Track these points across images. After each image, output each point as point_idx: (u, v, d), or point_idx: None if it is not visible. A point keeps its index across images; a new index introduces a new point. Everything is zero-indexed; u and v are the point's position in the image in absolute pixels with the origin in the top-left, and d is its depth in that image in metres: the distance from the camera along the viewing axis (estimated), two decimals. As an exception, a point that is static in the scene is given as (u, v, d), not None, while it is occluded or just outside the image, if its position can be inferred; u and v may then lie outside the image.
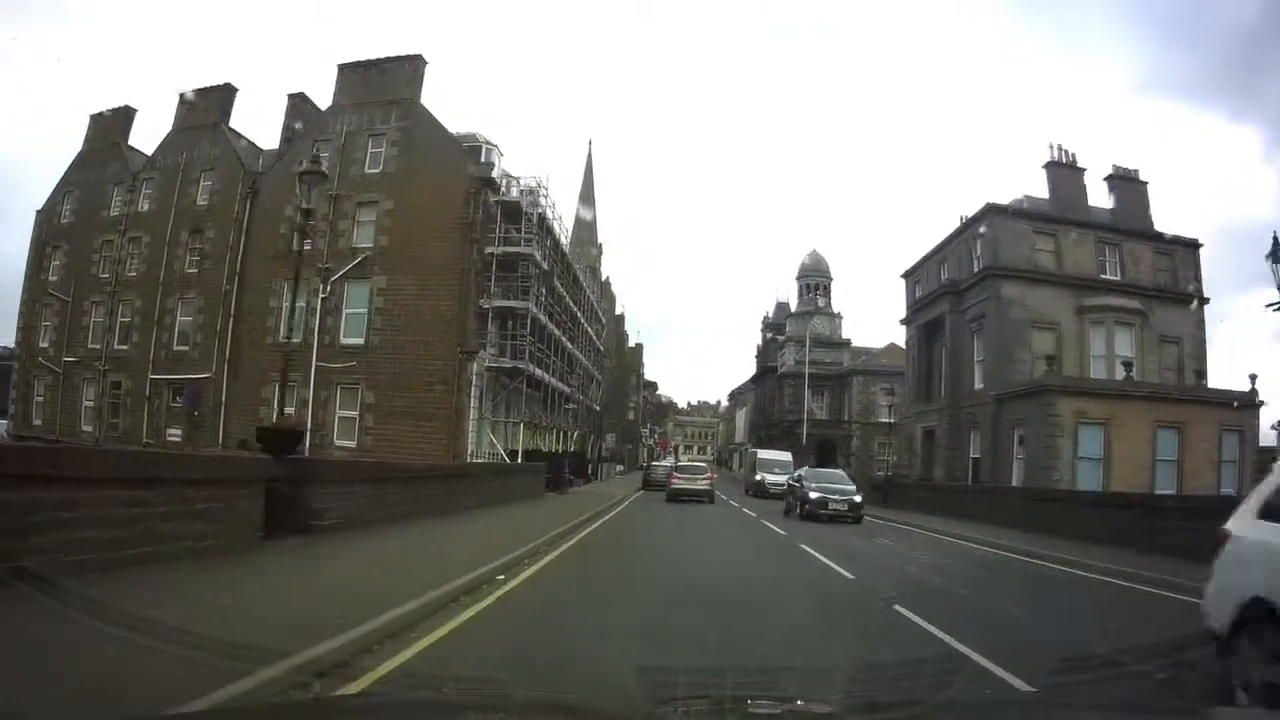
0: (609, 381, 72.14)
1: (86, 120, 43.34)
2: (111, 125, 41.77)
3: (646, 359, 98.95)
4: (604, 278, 70.61)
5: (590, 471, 43.33)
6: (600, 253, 68.73)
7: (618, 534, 17.70)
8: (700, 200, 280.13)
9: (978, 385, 35.44)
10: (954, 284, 37.39)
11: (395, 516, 13.39)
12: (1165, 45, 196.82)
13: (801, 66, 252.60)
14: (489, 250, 30.99)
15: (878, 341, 67.20)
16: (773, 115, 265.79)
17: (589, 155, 76.38)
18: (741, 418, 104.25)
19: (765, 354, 76.55)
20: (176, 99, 40.80)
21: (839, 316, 66.80)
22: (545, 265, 32.22)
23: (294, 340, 34.74)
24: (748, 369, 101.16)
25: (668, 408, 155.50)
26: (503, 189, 32.42)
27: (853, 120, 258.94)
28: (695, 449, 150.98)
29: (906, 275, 45.57)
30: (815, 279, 67.86)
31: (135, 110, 43.24)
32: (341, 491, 11.85)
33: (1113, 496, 24.23)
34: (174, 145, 39.50)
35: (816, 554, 13.90)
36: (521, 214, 31.40)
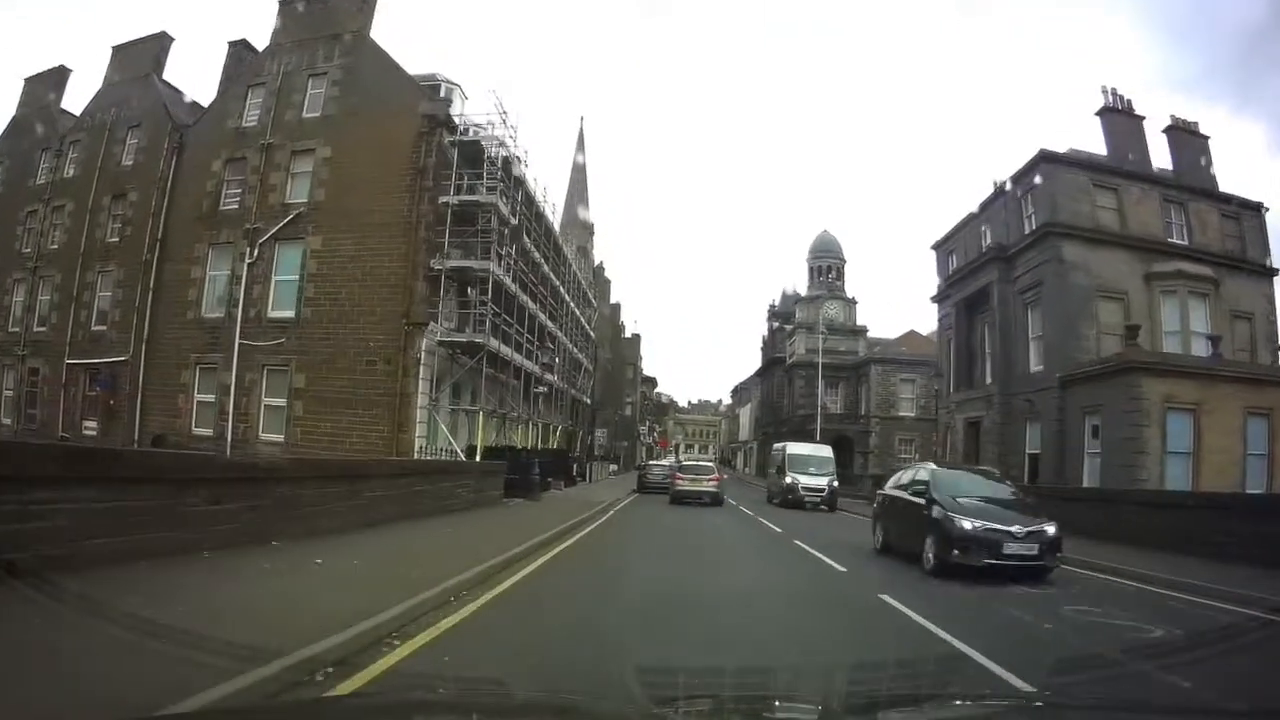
0: (603, 375, 66.43)
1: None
2: (45, 87, 37.50)
3: (646, 358, 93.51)
4: (597, 263, 64.93)
5: (577, 472, 37.52)
6: (592, 233, 62.99)
7: (575, 574, 11.04)
8: (699, 197, 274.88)
9: (1034, 367, 29.66)
10: (1001, 248, 31.65)
11: (199, 541, 7.61)
12: (1170, 44, 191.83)
13: (804, 49, 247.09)
14: (443, 200, 25.21)
15: (892, 335, 61.54)
16: (774, 105, 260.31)
17: (580, 132, 70.65)
18: (745, 414, 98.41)
19: (772, 344, 70.72)
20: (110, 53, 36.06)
21: (853, 302, 61.05)
22: (513, 220, 26.36)
23: (216, 315, 29.77)
24: (750, 366, 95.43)
25: (668, 406, 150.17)
26: (462, 131, 26.61)
27: (857, 108, 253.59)
28: (696, 448, 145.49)
29: (938, 246, 39.85)
30: (827, 260, 61.97)
31: (70, 70, 38.90)
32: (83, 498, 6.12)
33: (1250, 500, 18.52)
34: (103, 102, 34.62)
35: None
36: (483, 157, 25.57)
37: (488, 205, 24.97)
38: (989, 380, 32.20)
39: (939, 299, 38.37)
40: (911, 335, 59.21)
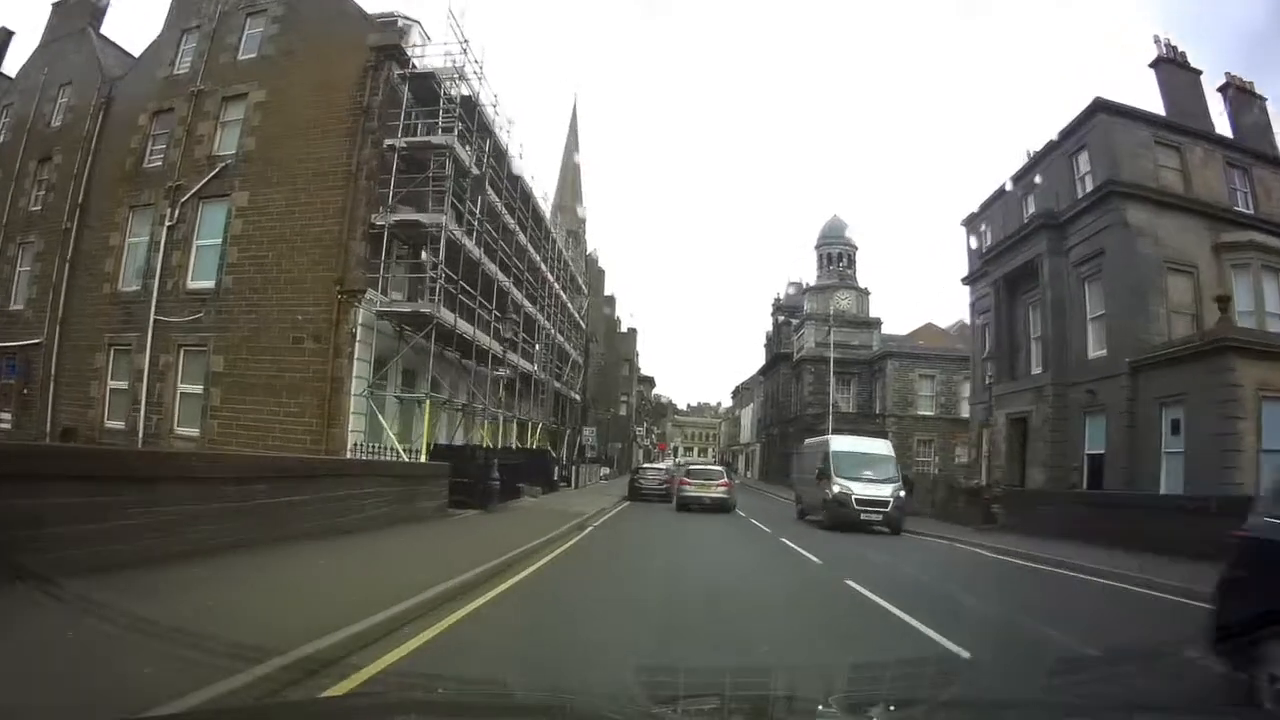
0: (596, 371, 61.96)
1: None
2: (-16, 50, 33.88)
3: (644, 361, 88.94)
4: (590, 250, 60.51)
5: (561, 476, 32.97)
6: (584, 220, 58.61)
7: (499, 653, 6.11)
8: (698, 197, 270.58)
9: (1095, 351, 25.16)
10: (1051, 215, 27.14)
11: None
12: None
13: (809, 35, 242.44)
14: (389, 144, 20.76)
15: (905, 331, 56.96)
16: (777, 99, 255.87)
17: (574, 111, 66.26)
18: (747, 415, 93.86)
19: (777, 339, 66.20)
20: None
21: (866, 292, 56.47)
22: (476, 169, 21.88)
23: (133, 289, 25.38)
24: (751, 367, 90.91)
25: (666, 408, 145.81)
26: (416, 66, 22.16)
27: (865, 98, 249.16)
28: (695, 451, 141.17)
29: (969, 222, 35.41)
30: (837, 246, 57.41)
31: (12, 33, 36.09)
32: None
33: None
34: (38, 61, 30.81)
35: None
36: (440, 92, 21.14)
37: (442, 148, 20.48)
38: (1037, 369, 27.69)
39: (972, 279, 33.89)
40: (929, 329, 54.74)
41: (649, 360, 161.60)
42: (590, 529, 17.14)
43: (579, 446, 43.30)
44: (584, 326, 46.61)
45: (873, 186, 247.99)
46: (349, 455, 18.54)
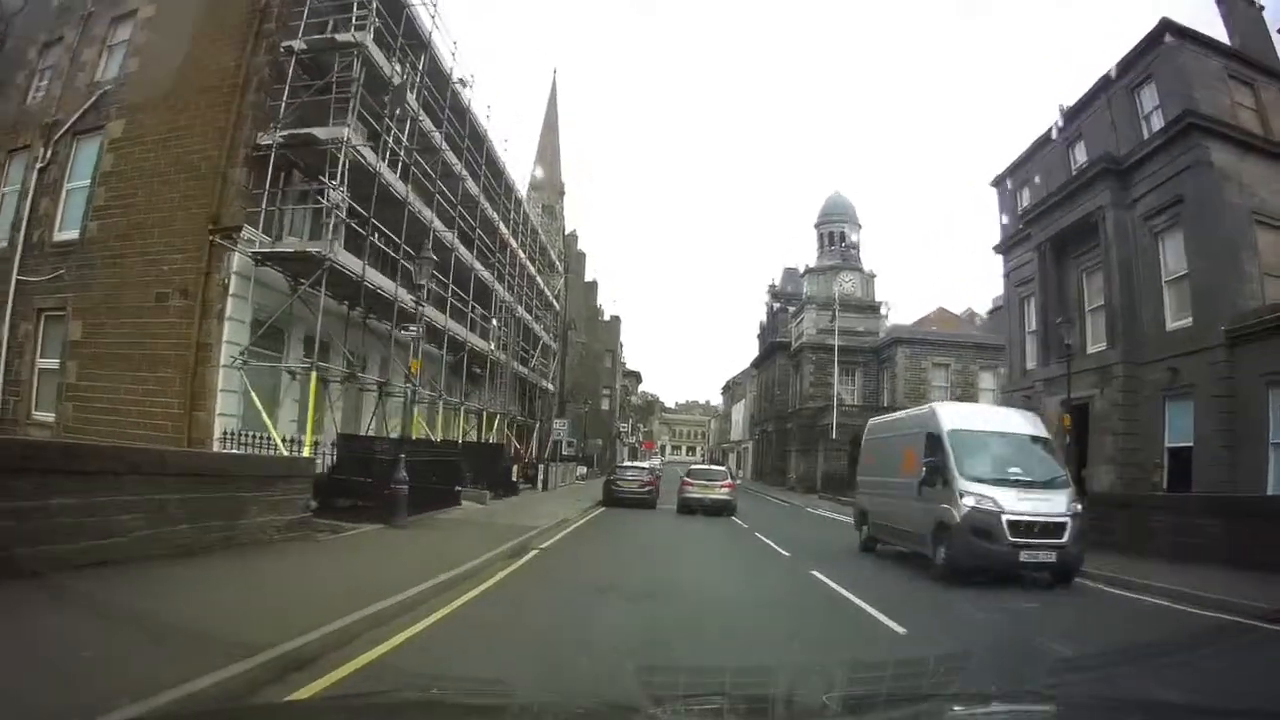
0: (576, 362, 57.12)
1: None
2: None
3: (631, 359, 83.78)
4: (570, 230, 55.71)
5: (524, 476, 28.13)
6: (562, 193, 53.68)
7: None
8: (687, 188, 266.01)
9: (1175, 321, 20.51)
10: (1112, 159, 22.49)
11: None
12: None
13: (802, 13, 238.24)
14: (286, 46, 15.92)
15: (912, 320, 52.19)
16: (770, 77, 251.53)
17: (553, 86, 61.41)
18: (738, 412, 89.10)
19: (772, 328, 61.47)
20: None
21: (871, 275, 51.80)
22: (396, 79, 17.02)
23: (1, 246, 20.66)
24: (743, 361, 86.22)
25: (654, 405, 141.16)
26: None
27: (862, 77, 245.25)
28: (684, 449, 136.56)
29: (999, 182, 30.81)
30: (839, 224, 52.72)
31: None
32: None
33: None
34: None
35: None
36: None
37: (349, 47, 15.64)
38: (1098, 345, 22.98)
39: (1007, 246, 29.23)
40: (941, 314, 50.10)
41: (636, 356, 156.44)
42: (530, 555, 12.08)
43: (552, 442, 38.40)
44: (558, 308, 41.76)
45: (872, 171, 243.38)
46: (217, 446, 13.71)
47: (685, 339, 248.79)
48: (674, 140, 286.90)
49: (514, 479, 25.17)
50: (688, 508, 24.18)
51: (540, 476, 29.51)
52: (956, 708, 3.45)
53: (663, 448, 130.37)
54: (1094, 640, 7.77)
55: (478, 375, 27.58)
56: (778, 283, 65.22)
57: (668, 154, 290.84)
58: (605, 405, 62.17)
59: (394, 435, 15.88)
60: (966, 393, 44.96)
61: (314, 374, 15.21)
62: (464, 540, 11.64)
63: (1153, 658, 6.46)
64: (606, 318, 64.23)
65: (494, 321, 25.66)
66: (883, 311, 49.75)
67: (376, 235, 16.60)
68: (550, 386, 39.86)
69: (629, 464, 29.06)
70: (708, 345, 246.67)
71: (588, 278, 63.34)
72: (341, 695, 4.25)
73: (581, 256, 59.37)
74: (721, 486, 25.24)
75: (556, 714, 3.35)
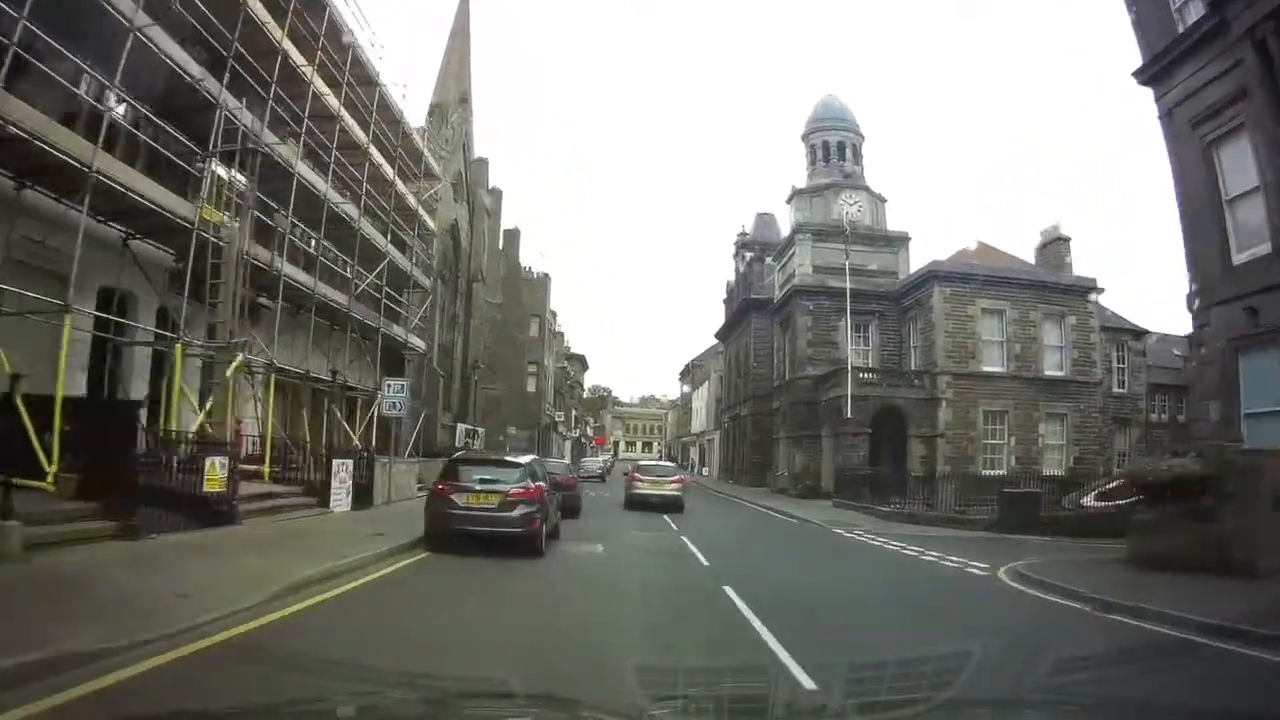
0: (491, 329, 42.91)
1: None
2: None
3: (571, 335, 70.23)
4: (476, 156, 41.48)
5: (336, 481, 13.98)
6: (464, 100, 39.28)
7: None
8: (634, 161, 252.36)
9: None
10: None
11: None
12: None
13: None
14: None
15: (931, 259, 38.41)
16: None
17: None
18: (701, 398, 75.50)
19: (744, 284, 47.95)
20: None
21: (881, 199, 38.37)
22: None
23: None
24: (704, 342, 72.54)
25: (606, 399, 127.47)
26: None
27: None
28: (639, 446, 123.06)
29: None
30: (836, 133, 38.97)
31: None
32: None
33: None
34: None
35: None
36: None
37: None
38: None
39: (1170, 61, 15.73)
40: (984, 249, 36.79)
41: (589, 351, 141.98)
42: None
43: (420, 430, 24.37)
44: (433, 226, 27.61)
45: (870, 86, 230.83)
46: None
47: (641, 331, 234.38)
48: (613, 88, 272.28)
49: (223, 492, 11.08)
50: (635, 504, 23.29)
51: (345, 484, 15.46)
52: (957, 708, 3.44)
53: (616, 444, 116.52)
54: None
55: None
56: (749, 230, 51.72)
57: (610, 111, 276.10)
58: (531, 386, 47.98)
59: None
60: (1027, 350, 31.90)
61: None
62: None
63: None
64: (531, 274, 49.96)
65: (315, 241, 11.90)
66: (904, 242, 36.29)
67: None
68: (420, 344, 25.68)
69: (479, 459, 13.50)
70: (667, 338, 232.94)
71: (507, 223, 49.21)
72: (340, 696, 3.72)
73: (497, 195, 45.20)
74: (671, 483, 24.61)
75: (555, 711, 3.32)
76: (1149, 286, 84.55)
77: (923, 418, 30.69)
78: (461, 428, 31.70)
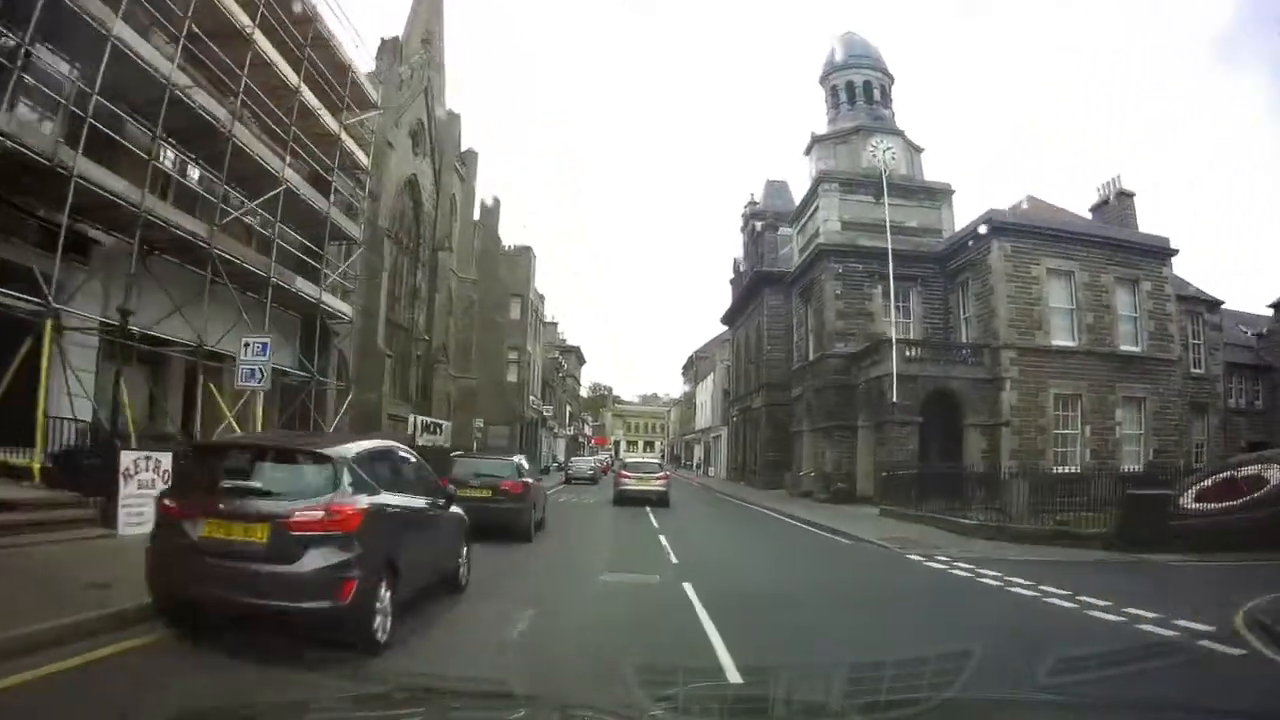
0: (464, 307, 37.27)
1: None
2: None
3: (566, 330, 63.97)
4: (449, 109, 35.91)
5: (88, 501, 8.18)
6: (427, 42, 33.63)
7: None
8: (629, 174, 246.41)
9: None
10: None
11: None
12: None
13: None
14: None
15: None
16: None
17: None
18: (706, 391, 69.73)
19: (756, 254, 41.95)
20: None
21: (917, 150, 32.63)
22: None
23: None
24: (709, 333, 66.57)
25: (607, 398, 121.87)
26: None
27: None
28: (641, 444, 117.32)
29: None
30: (861, 71, 32.91)
31: None
32: None
33: None
34: None
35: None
36: None
37: None
38: None
39: None
40: (1037, 205, 30.83)
41: (582, 343, 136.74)
42: None
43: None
44: (367, 167, 21.87)
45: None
46: None
47: (642, 330, 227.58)
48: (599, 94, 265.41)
49: None
50: (623, 500, 23.87)
51: (153, 492, 9.79)
52: (957, 708, 3.42)
53: (617, 443, 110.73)
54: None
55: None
56: (759, 199, 45.88)
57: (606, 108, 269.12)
58: (512, 376, 42.05)
59: None
60: (1099, 320, 26.19)
61: None
62: None
63: None
64: (509, 248, 43.96)
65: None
66: (947, 195, 30.51)
67: None
68: (344, 308, 19.94)
69: (249, 442, 7.95)
70: (668, 336, 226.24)
71: (484, 193, 43.47)
72: (342, 697, 3.96)
73: (472, 158, 39.46)
74: (656, 479, 25.07)
75: (556, 712, 3.39)
76: (1213, 258, 78.35)
77: (982, 402, 24.91)
78: (415, 419, 25.91)
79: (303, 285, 17.47)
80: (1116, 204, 29.84)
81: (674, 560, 11.92)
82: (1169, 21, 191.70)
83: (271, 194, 16.53)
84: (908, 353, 24.54)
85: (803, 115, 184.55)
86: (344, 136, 20.41)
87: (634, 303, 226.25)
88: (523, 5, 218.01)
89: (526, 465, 13.72)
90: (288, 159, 17.30)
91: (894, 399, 23.10)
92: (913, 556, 13.19)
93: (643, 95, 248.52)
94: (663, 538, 14.79)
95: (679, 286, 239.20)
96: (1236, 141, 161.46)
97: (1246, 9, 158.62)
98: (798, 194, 38.64)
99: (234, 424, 15.22)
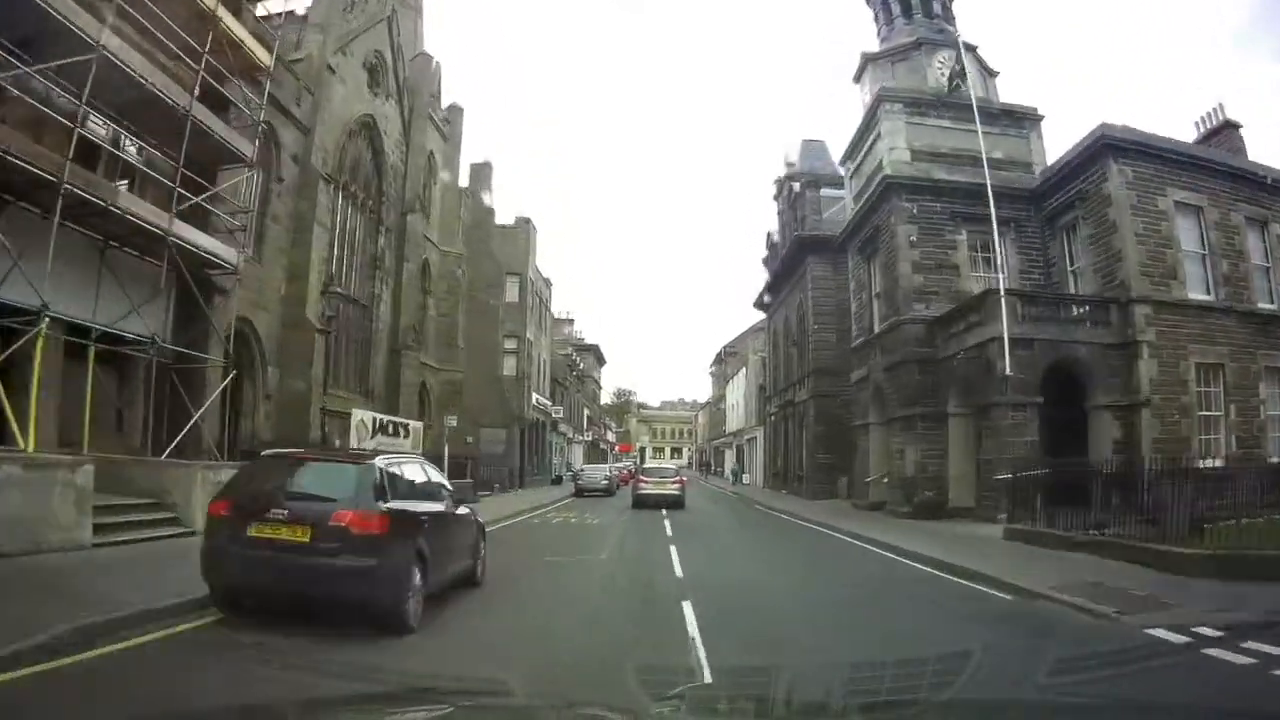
0: (450, 291, 31.48)
1: None
2: None
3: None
4: (422, 50, 30.28)
5: None
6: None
7: None
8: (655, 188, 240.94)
9: None
10: None
11: None
12: None
13: None
14: None
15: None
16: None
17: None
18: (736, 390, 63.37)
19: (794, 219, 35.64)
20: None
21: (992, 73, 26.32)
22: None
23: None
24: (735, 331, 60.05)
25: (631, 403, 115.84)
26: None
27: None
28: (668, 451, 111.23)
29: None
30: (923, -18, 26.83)
31: None
32: None
33: None
34: None
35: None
36: None
37: None
38: None
39: None
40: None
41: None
42: None
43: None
44: (262, 64, 15.96)
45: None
46: None
47: (667, 333, 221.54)
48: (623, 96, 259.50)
49: None
50: (642, 503, 24.44)
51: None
52: (957, 708, 3.41)
53: (642, 450, 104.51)
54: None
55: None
56: (795, 160, 39.65)
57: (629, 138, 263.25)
58: (508, 369, 36.03)
59: None
60: (1235, 270, 19.76)
61: None
62: None
63: None
64: (502, 222, 37.79)
65: None
66: (1037, 122, 24.10)
67: None
68: (230, 257, 14.00)
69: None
70: (693, 337, 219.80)
71: (469, 152, 37.66)
72: (343, 696, 3.98)
73: (456, 112, 33.67)
74: (673, 483, 26.18)
75: (557, 714, 3.41)
76: None
77: (1112, 376, 18.53)
78: (364, 416, 19.85)
79: (129, 203, 11.54)
80: (1222, 138, 23.51)
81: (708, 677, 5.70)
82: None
83: (71, 60, 10.74)
84: (1019, 309, 18.16)
85: (818, 103, 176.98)
86: (228, 23, 14.64)
87: (654, 307, 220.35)
88: (511, 7, 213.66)
89: (412, 476, 7.59)
90: (110, 19, 11.53)
91: (1007, 371, 16.79)
92: (1159, 633, 6.91)
93: (642, 95, 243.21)
94: (689, 610, 8.10)
95: (700, 288, 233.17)
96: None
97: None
98: (836, 151, 32.24)
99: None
